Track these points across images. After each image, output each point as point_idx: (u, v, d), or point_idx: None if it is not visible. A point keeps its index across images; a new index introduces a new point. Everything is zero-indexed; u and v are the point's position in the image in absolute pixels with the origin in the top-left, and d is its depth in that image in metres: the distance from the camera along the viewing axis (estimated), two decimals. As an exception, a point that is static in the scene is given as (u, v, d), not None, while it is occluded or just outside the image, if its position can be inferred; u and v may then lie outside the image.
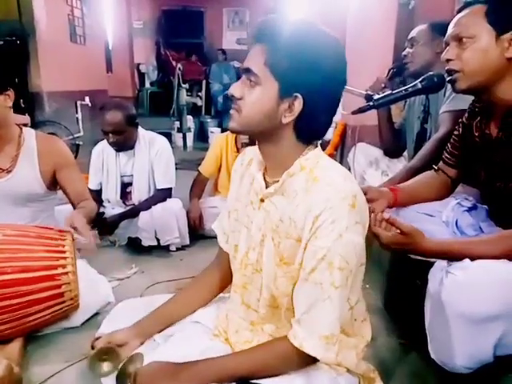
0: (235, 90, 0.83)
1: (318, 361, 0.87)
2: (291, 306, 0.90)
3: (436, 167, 1.35)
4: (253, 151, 0.99)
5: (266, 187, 0.92)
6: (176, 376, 0.86)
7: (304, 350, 0.83)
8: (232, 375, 0.87)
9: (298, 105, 0.79)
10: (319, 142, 0.91)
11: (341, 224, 0.80)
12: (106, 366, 1.02)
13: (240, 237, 0.99)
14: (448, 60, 1.11)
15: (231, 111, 0.85)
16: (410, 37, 1.85)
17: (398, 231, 0.98)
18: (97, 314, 1.57)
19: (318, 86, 0.78)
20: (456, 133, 1.28)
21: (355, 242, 0.82)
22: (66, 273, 1.34)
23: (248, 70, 0.81)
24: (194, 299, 1.12)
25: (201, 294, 1.12)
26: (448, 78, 1.13)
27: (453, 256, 0.96)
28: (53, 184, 1.70)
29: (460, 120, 1.28)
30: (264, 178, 0.93)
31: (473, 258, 0.92)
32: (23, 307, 1.29)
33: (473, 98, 1.22)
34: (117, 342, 1.04)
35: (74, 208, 1.68)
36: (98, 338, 1.08)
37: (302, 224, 0.84)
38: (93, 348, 1.06)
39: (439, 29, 1.67)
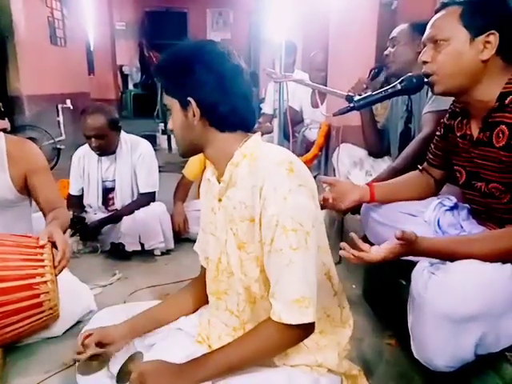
0: (168, 125, 0.98)
1: (306, 336, 0.88)
2: (265, 294, 0.91)
3: (421, 167, 1.36)
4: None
5: None
6: (178, 375, 0.87)
7: (283, 322, 0.84)
8: (227, 367, 0.88)
9: (196, 107, 0.90)
10: (259, 133, 0.96)
11: (283, 188, 0.83)
12: (95, 366, 1.05)
13: (208, 246, 1.02)
14: (424, 62, 1.11)
15: None
16: (391, 36, 1.85)
17: (402, 242, 0.94)
18: (79, 322, 1.54)
19: (197, 85, 0.89)
20: (438, 133, 1.29)
21: (303, 204, 0.85)
22: (45, 282, 1.31)
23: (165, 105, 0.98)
24: (184, 305, 1.14)
25: (190, 301, 1.14)
26: (425, 81, 1.13)
27: (444, 255, 0.96)
28: (25, 189, 1.63)
29: (442, 120, 1.29)
30: (219, 182, 0.97)
31: (462, 258, 0.92)
32: (1, 318, 1.26)
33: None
34: (107, 339, 1.06)
35: (45, 216, 1.59)
36: (88, 336, 1.08)
37: (251, 202, 0.88)
38: (83, 344, 1.07)
39: (420, 29, 1.67)
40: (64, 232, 1.48)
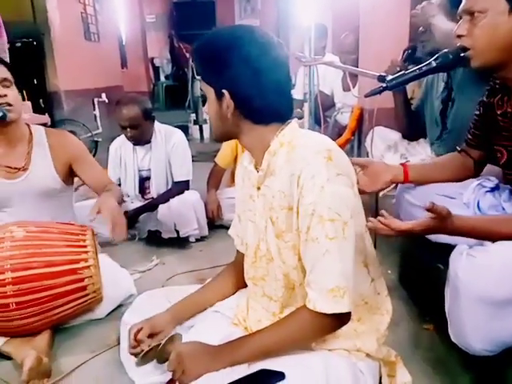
0: (204, 109, 0.97)
1: (341, 325, 0.88)
2: (303, 281, 0.91)
3: (459, 148, 1.31)
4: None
5: None
6: (215, 357, 0.90)
7: (318, 311, 0.84)
8: (262, 351, 0.89)
9: (229, 99, 0.88)
10: (295, 120, 0.95)
11: (320, 177, 0.82)
12: (150, 355, 1.03)
13: (247, 233, 1.03)
14: (459, 36, 1.06)
15: None
16: None
17: (432, 216, 0.91)
18: (120, 305, 1.61)
19: (233, 78, 0.87)
20: (477, 113, 1.24)
21: (342, 193, 0.83)
22: (88, 266, 1.38)
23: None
24: (222, 290, 1.16)
25: (227, 285, 1.17)
26: (462, 55, 1.08)
27: (479, 233, 0.93)
28: (68, 177, 1.72)
29: (480, 99, 1.23)
30: (257, 170, 0.96)
31: (497, 237, 0.90)
32: (49, 300, 1.34)
33: None
34: (156, 330, 1.07)
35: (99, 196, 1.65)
36: (138, 331, 1.07)
37: (289, 190, 0.88)
38: (135, 339, 1.05)
39: (457, 2, 1.60)
40: (119, 204, 1.55)
